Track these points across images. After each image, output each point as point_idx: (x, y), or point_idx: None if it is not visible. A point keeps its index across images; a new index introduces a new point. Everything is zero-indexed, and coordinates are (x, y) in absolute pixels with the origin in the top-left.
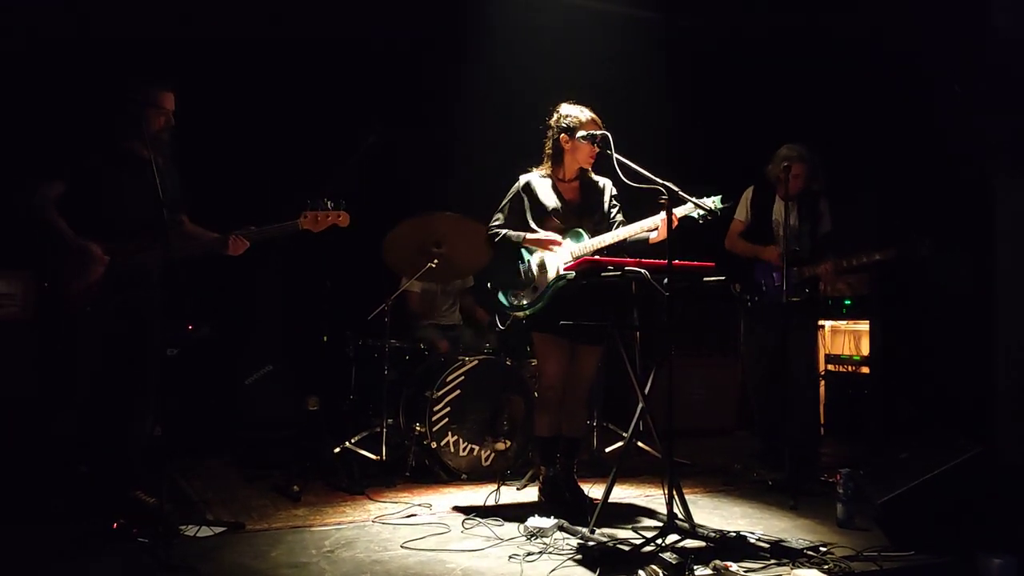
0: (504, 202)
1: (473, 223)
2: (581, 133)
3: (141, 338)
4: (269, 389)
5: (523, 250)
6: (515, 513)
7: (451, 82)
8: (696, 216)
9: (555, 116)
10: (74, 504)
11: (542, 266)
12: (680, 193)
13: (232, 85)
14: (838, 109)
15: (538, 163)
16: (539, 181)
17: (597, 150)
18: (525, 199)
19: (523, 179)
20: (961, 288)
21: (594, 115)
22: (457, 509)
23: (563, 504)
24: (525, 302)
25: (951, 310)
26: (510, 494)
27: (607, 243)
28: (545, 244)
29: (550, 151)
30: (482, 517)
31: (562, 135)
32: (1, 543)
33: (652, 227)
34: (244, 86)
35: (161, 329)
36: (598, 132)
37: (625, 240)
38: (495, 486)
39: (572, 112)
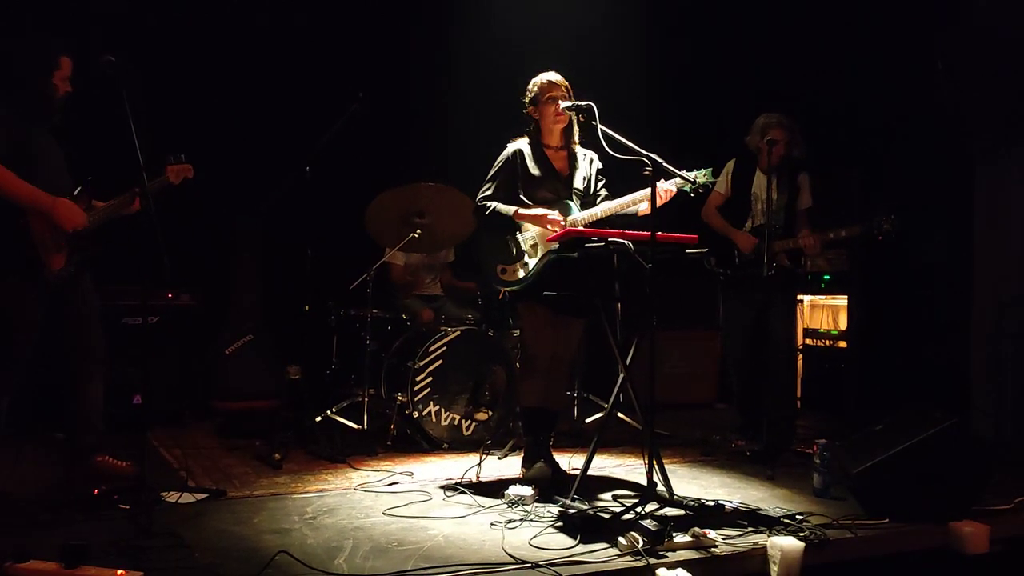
0: (493, 171)
1: (457, 193)
2: (539, 95)
3: (86, 300)
4: (250, 358)
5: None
6: (497, 482)
7: (436, 50)
8: (687, 189)
9: (526, 91)
10: (53, 471)
11: (535, 245)
12: (664, 165)
13: (212, 52)
14: (821, 85)
15: (522, 135)
16: (528, 149)
17: (560, 107)
18: (515, 167)
19: (512, 146)
20: (939, 264)
21: (555, 76)
22: (443, 486)
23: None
24: (519, 276)
25: (929, 286)
26: (491, 464)
27: (599, 216)
28: (540, 221)
29: (530, 125)
30: (464, 487)
31: (529, 107)
32: None
33: (643, 199)
34: (224, 53)
35: (96, 295)
36: (581, 103)
37: (613, 214)
38: (476, 455)
39: (535, 80)
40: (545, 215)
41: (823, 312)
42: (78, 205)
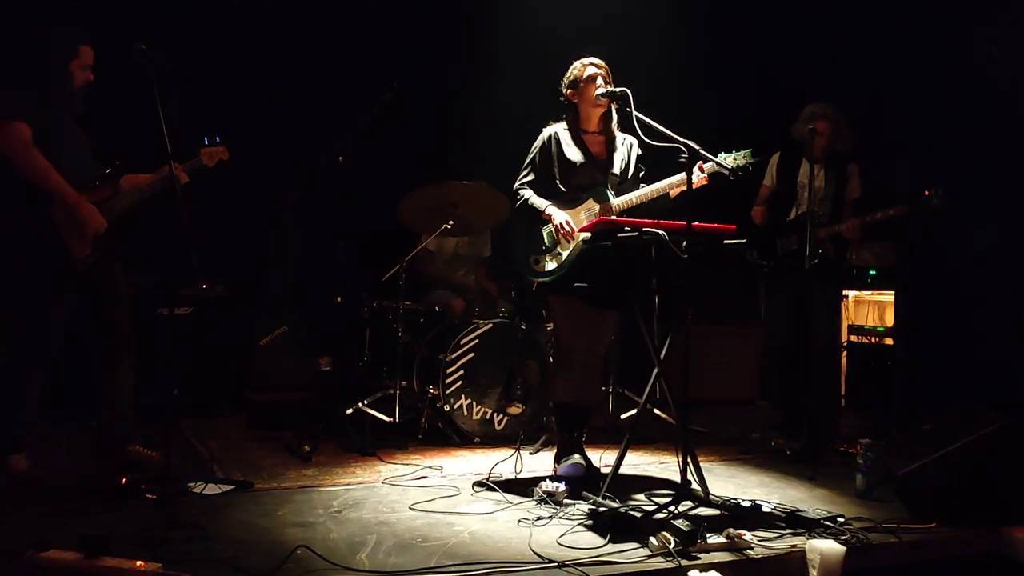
0: (530, 156)
1: (491, 190)
2: (582, 74)
3: (114, 287)
4: (283, 350)
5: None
6: (527, 478)
7: (470, 40)
8: (727, 172)
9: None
10: (85, 460)
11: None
12: (701, 151)
13: (245, 40)
14: (872, 72)
15: (559, 120)
16: (564, 133)
17: (599, 88)
18: (550, 151)
19: (548, 130)
20: (991, 258)
21: (595, 59)
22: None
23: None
24: (551, 266)
25: (980, 280)
26: (523, 459)
27: (634, 202)
28: (560, 231)
29: (567, 111)
30: (493, 483)
31: (568, 91)
32: (9, 500)
33: (680, 182)
34: (258, 41)
35: (124, 281)
36: (616, 89)
37: (649, 199)
38: (507, 450)
39: (575, 64)
40: (564, 228)
41: (869, 308)
42: (106, 187)
